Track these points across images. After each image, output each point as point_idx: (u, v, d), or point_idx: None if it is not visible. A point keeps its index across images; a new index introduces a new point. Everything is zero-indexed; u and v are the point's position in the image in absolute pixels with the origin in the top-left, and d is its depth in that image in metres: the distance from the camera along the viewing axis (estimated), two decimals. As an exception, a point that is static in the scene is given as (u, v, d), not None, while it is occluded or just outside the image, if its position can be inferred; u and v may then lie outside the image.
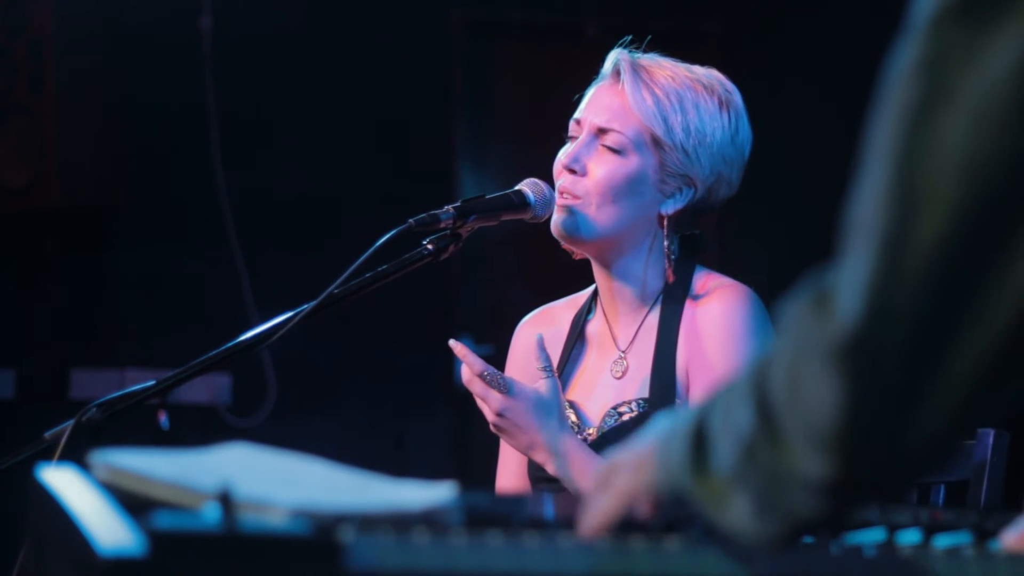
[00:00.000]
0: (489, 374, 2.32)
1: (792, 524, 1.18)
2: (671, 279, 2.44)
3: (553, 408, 2.34)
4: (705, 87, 2.42)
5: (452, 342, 2.34)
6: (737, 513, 1.19)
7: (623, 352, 2.47)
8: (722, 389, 1.22)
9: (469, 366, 2.32)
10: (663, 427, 1.29)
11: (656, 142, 2.40)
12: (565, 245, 2.46)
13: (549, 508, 1.42)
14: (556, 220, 2.42)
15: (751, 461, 1.17)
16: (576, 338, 2.53)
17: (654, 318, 2.45)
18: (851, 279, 1.11)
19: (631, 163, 2.41)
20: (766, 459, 1.16)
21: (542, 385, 2.36)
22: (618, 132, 2.40)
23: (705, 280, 2.45)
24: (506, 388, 2.32)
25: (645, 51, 2.47)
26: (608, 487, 1.30)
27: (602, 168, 2.41)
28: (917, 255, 1.09)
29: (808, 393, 1.12)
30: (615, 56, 2.46)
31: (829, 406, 1.11)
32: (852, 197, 1.13)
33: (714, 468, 1.20)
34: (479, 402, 2.35)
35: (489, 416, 2.34)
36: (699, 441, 1.22)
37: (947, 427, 1.11)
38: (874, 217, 1.10)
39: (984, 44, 1.08)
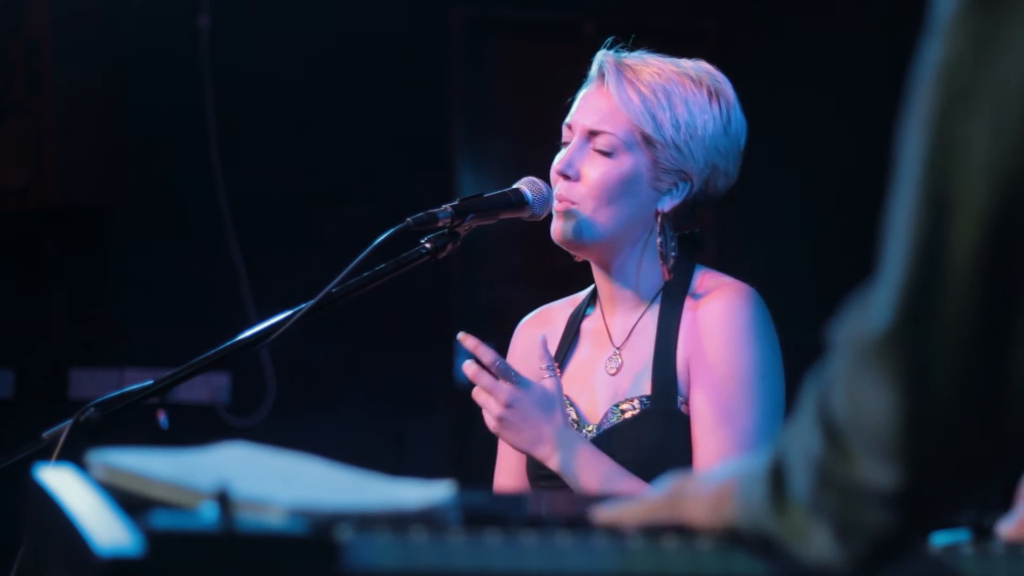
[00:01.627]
0: (501, 365, 2.33)
1: (873, 544, 1.16)
2: (667, 276, 2.43)
3: (557, 405, 2.35)
4: (693, 80, 2.42)
5: (461, 335, 2.35)
6: (819, 543, 1.18)
7: (618, 348, 2.47)
8: (792, 423, 1.21)
9: (481, 356, 2.33)
10: (740, 467, 1.28)
11: (647, 140, 2.40)
12: (566, 249, 2.47)
13: (547, 507, 1.42)
14: (556, 227, 2.42)
15: (825, 483, 1.16)
16: (572, 335, 2.53)
17: (651, 316, 2.45)
18: (886, 286, 1.11)
19: (624, 164, 2.41)
20: (838, 478, 1.15)
21: (546, 383, 2.37)
22: (608, 134, 2.40)
23: (705, 279, 2.45)
24: (516, 380, 2.33)
25: (633, 49, 2.47)
26: (670, 504, 1.30)
27: (595, 171, 2.41)
28: (952, 262, 1.08)
29: (864, 402, 1.11)
30: (599, 58, 2.45)
31: (884, 411, 1.10)
32: (888, 209, 1.13)
33: (792, 500, 1.19)
34: (482, 399, 2.34)
35: (495, 410, 2.33)
36: (777, 477, 1.21)
37: (1009, 427, 1.09)
38: (906, 228, 1.10)
39: (997, 41, 1.07)
